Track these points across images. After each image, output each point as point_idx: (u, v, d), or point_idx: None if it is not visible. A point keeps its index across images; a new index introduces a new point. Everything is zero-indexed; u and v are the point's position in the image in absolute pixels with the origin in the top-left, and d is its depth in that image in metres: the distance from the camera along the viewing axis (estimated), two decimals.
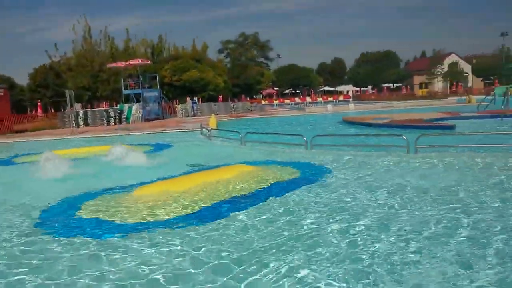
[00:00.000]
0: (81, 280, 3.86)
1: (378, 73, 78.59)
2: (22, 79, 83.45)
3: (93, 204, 6.56)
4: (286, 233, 4.83)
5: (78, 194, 7.26)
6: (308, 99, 56.63)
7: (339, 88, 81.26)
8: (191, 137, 17.54)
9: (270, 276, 3.75)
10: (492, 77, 68.43)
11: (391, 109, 32.59)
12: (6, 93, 26.01)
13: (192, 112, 35.61)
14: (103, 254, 4.43)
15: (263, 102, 55.04)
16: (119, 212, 6.05)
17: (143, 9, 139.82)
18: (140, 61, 34.96)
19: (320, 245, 4.40)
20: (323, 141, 11.84)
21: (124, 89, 33.57)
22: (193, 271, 3.95)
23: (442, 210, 5.37)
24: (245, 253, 4.30)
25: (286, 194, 6.61)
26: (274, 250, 4.32)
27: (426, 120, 18.01)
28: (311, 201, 6.17)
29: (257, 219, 5.43)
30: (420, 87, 73.14)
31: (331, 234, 4.71)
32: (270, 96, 67.11)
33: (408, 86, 71.13)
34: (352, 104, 39.71)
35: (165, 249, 4.51)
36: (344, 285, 3.53)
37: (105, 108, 35.14)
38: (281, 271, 3.82)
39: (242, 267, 3.96)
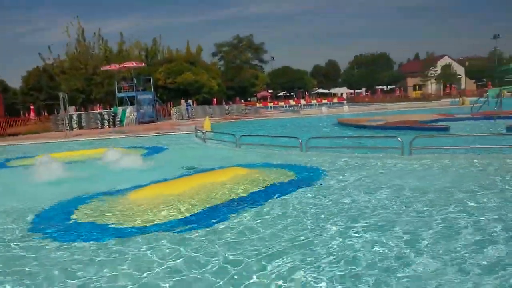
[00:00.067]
0: (78, 284, 3.81)
1: (372, 75, 78.88)
2: (14, 82, 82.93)
3: (88, 208, 6.51)
4: (283, 235, 4.81)
5: (72, 198, 7.20)
6: (302, 101, 56.70)
7: (333, 90, 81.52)
8: (186, 140, 17.49)
9: (269, 278, 3.73)
10: (485, 79, 68.95)
11: (385, 111, 32.72)
12: None
13: (187, 115, 35.57)
14: (98, 258, 4.39)
15: (257, 105, 54.99)
16: (114, 216, 6.00)
17: (137, 11, 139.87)
18: (134, 63, 34.86)
19: (318, 247, 4.38)
20: (318, 143, 11.85)
21: (118, 91, 33.45)
22: (190, 274, 3.92)
23: (437, 211, 5.38)
24: (242, 256, 4.28)
25: (282, 196, 6.60)
26: (271, 253, 4.30)
27: (421, 122, 18.07)
28: (307, 203, 6.16)
29: (252, 222, 5.41)
30: (414, 89, 73.51)
31: (328, 237, 4.70)
32: (264, 98, 67.09)
33: (402, 88, 71.45)
34: (347, 106, 39.84)
35: (160, 252, 4.47)
36: (341, 286, 3.52)
37: (99, 111, 34.99)
38: (279, 274, 3.80)
39: (240, 270, 3.93)
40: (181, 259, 4.28)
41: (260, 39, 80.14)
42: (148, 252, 4.50)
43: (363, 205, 5.90)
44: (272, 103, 57.10)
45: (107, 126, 29.31)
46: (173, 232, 5.10)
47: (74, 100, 43.03)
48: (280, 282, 3.66)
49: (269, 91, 74.86)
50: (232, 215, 5.70)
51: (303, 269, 3.87)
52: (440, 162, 8.71)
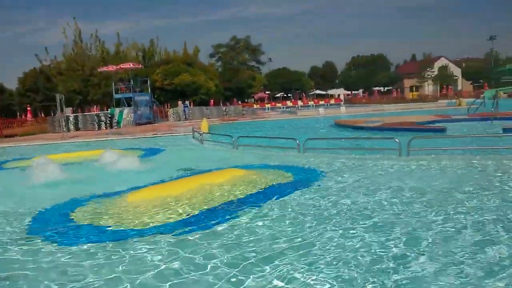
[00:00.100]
0: (77, 287, 3.80)
1: (369, 76, 79.12)
2: (11, 83, 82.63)
3: (85, 210, 6.48)
4: (281, 237, 4.80)
5: (69, 200, 7.17)
6: (299, 102, 56.71)
7: (330, 92, 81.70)
8: (183, 141, 17.47)
9: (267, 280, 3.72)
10: (481, 81, 69.22)
11: (382, 112, 32.79)
12: None
13: (184, 116, 35.53)
14: (95, 261, 4.37)
15: (255, 106, 54.97)
16: (111, 218, 5.97)
17: (134, 13, 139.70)
18: (131, 65, 34.81)
19: (317, 249, 4.37)
20: (316, 144, 11.85)
21: (115, 93, 33.37)
22: (189, 276, 3.91)
23: (436, 212, 5.38)
24: (240, 258, 4.26)
25: (280, 198, 6.58)
26: (270, 255, 4.28)
27: (417, 123, 18.10)
28: (306, 204, 6.15)
29: (251, 224, 5.39)
30: (411, 90, 73.74)
31: (327, 238, 4.69)
32: (261, 100, 67.15)
33: (399, 90, 71.70)
34: (344, 107, 39.89)
35: (158, 254, 4.45)
36: None
37: (96, 112, 34.93)
38: (278, 275, 3.79)
39: (238, 272, 3.92)
40: (179, 261, 4.26)
41: (257, 40, 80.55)
42: (146, 254, 4.48)
43: (361, 206, 5.89)
44: (269, 104, 57.11)
45: (104, 128, 29.25)
46: (171, 234, 5.08)
47: (71, 102, 42.96)
48: (279, 284, 3.65)
49: (266, 92, 74.96)
50: (230, 217, 5.68)
51: (302, 271, 3.86)
52: (438, 163, 8.72)
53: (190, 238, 4.94)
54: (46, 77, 48.63)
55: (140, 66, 38.81)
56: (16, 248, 4.89)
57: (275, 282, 3.70)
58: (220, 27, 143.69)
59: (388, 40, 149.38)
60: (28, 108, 39.47)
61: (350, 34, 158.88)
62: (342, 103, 55.27)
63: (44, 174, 9.18)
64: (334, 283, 3.61)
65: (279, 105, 57.18)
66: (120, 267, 4.18)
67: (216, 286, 3.68)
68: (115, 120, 30.08)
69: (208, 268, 4.06)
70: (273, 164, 9.93)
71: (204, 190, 7.23)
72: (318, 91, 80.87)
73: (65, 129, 24.88)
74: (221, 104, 47.47)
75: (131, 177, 9.10)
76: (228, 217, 5.69)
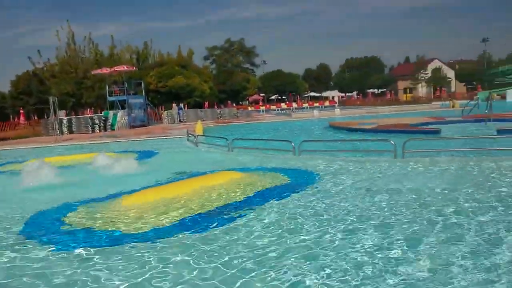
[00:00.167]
0: None
1: (363, 78, 79.41)
2: (3, 86, 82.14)
3: (78, 214, 6.39)
4: (278, 240, 4.76)
5: (62, 204, 7.08)
6: (294, 104, 56.84)
7: (324, 94, 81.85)
8: (178, 144, 17.39)
9: (265, 281, 3.68)
10: (474, 82, 69.67)
11: (376, 114, 32.88)
12: None
13: (178, 119, 35.43)
14: (89, 265, 4.30)
15: (249, 108, 55.01)
16: (106, 222, 5.90)
17: (128, 15, 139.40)
18: (125, 67, 34.73)
19: (315, 251, 4.34)
20: (311, 146, 11.84)
21: (109, 95, 33.25)
22: (184, 279, 3.86)
23: (435, 212, 5.37)
24: (237, 261, 4.22)
25: (276, 201, 6.54)
26: (266, 258, 4.24)
27: (411, 125, 18.16)
28: (301, 207, 6.11)
29: (246, 226, 5.35)
30: (404, 92, 74.08)
31: (324, 241, 4.65)
32: (256, 102, 67.16)
33: (393, 91, 71.99)
34: (338, 109, 39.96)
35: (153, 258, 4.39)
36: None
37: (89, 115, 34.75)
38: (274, 278, 3.75)
39: (236, 274, 3.87)
40: (175, 264, 4.21)
41: (251, 43, 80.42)
42: (140, 257, 4.42)
43: (358, 208, 5.86)
44: (264, 107, 57.14)
45: (98, 131, 29.09)
46: (166, 238, 5.02)
47: (65, 104, 42.78)
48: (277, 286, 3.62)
49: (261, 94, 75.02)
50: (226, 220, 5.63)
51: (299, 274, 3.82)
52: (433, 164, 8.72)
53: (186, 241, 4.88)
54: (39, 79, 48.44)
55: (134, 68, 38.76)
56: (7, 253, 4.81)
57: (273, 285, 3.66)
58: (214, 30, 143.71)
59: (382, 42, 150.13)
60: (21, 111, 39.18)
61: (345, 36, 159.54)
62: (336, 105, 55.42)
63: (37, 178, 9.10)
64: (334, 284, 3.58)
65: (273, 107, 57.26)
66: (114, 271, 4.12)
67: None
68: (109, 123, 29.94)
69: (204, 271, 4.01)
70: (268, 167, 9.89)
71: (200, 193, 7.18)
72: (312, 93, 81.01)
73: (58, 132, 24.71)
74: (216, 107, 47.39)
75: (125, 180, 9.03)
76: (224, 220, 5.64)
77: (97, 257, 4.53)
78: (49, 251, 4.79)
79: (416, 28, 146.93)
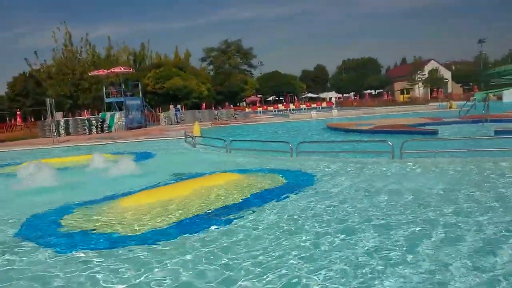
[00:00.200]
0: None
1: (360, 79, 79.52)
2: (0, 88, 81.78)
3: (75, 217, 6.36)
4: (276, 241, 4.74)
5: (59, 206, 7.05)
6: (291, 106, 56.82)
7: (322, 95, 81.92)
8: (175, 145, 17.35)
9: (262, 282, 3.66)
10: (471, 83, 69.85)
11: (374, 115, 32.91)
12: None
13: (176, 120, 35.37)
14: (87, 267, 4.28)
15: (247, 109, 54.97)
16: (104, 224, 5.87)
17: (128, 15, 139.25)
18: (122, 69, 34.61)
19: (314, 252, 4.32)
20: (309, 147, 11.82)
21: (106, 97, 33.16)
22: (183, 280, 3.84)
23: (433, 213, 5.36)
24: (235, 262, 4.20)
25: (274, 202, 6.53)
26: (264, 259, 4.23)
27: (408, 126, 18.19)
28: (299, 208, 6.10)
29: (244, 227, 5.33)
30: (401, 93, 74.18)
31: (323, 242, 4.64)
32: (253, 103, 67.12)
33: (390, 92, 72.05)
34: (336, 110, 39.98)
35: (151, 260, 4.37)
36: None
37: (86, 116, 34.65)
38: (273, 279, 3.73)
39: (234, 276, 3.86)
40: (174, 266, 4.19)
41: (249, 44, 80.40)
42: (138, 259, 4.39)
43: (356, 209, 5.85)
44: (261, 108, 57.11)
45: (95, 132, 29.00)
46: (164, 240, 5.00)
47: (61, 106, 42.65)
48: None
49: (258, 95, 75.00)
50: (224, 221, 5.61)
51: (297, 275, 3.80)
52: (431, 165, 8.73)
53: (185, 243, 4.86)
54: (36, 81, 48.26)
55: (131, 70, 38.63)
56: (3, 256, 4.77)
57: (272, 285, 3.64)
58: (213, 30, 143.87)
59: (382, 42, 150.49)
60: (18, 113, 39.06)
61: (345, 36, 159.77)
62: (333, 106, 55.44)
63: (34, 180, 9.05)
64: (333, 285, 3.57)
65: (271, 108, 57.23)
66: (111, 273, 4.09)
67: None
68: (106, 125, 29.86)
69: (204, 272, 3.99)
70: (266, 168, 9.88)
71: (197, 194, 7.16)
72: (309, 94, 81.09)
73: (55, 134, 24.62)
74: (213, 108, 47.36)
75: (123, 182, 8.99)
76: (222, 221, 5.62)
77: (94, 259, 4.50)
78: (45, 254, 4.75)
79: (415, 29, 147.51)
